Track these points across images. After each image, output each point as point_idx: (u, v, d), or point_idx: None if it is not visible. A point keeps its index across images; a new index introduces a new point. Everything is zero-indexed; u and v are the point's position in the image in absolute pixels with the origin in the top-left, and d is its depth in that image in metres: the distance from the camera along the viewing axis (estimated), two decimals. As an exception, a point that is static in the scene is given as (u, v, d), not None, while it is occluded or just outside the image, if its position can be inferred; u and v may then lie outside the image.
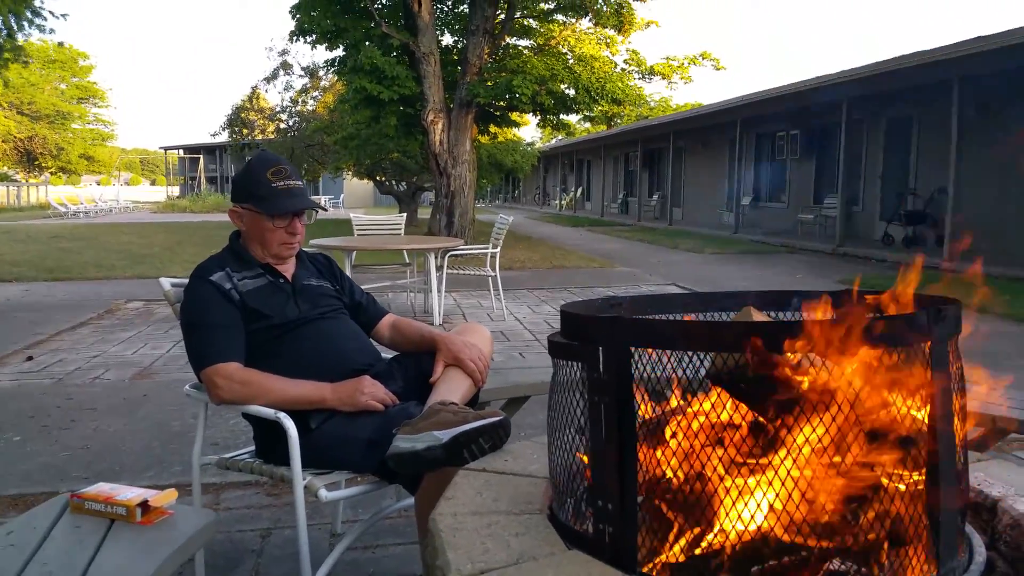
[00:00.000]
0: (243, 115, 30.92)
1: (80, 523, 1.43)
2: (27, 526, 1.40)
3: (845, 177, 13.23)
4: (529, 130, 42.23)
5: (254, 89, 31.30)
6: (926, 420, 1.21)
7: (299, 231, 2.05)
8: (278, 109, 29.40)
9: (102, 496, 1.47)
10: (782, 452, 1.18)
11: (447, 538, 1.29)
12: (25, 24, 8.31)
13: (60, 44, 41.67)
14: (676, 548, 1.21)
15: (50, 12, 8.59)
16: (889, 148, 13.85)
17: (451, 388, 1.95)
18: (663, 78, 18.67)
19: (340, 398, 1.88)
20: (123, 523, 1.43)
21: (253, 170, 2.02)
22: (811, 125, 15.75)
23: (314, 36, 13.54)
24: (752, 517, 1.18)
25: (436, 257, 6.10)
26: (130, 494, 1.48)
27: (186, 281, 2.02)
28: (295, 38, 13.75)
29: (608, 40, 15.25)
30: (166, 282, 2.10)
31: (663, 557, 1.21)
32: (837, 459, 1.21)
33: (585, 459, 1.31)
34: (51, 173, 47.49)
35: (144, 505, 1.45)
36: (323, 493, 1.77)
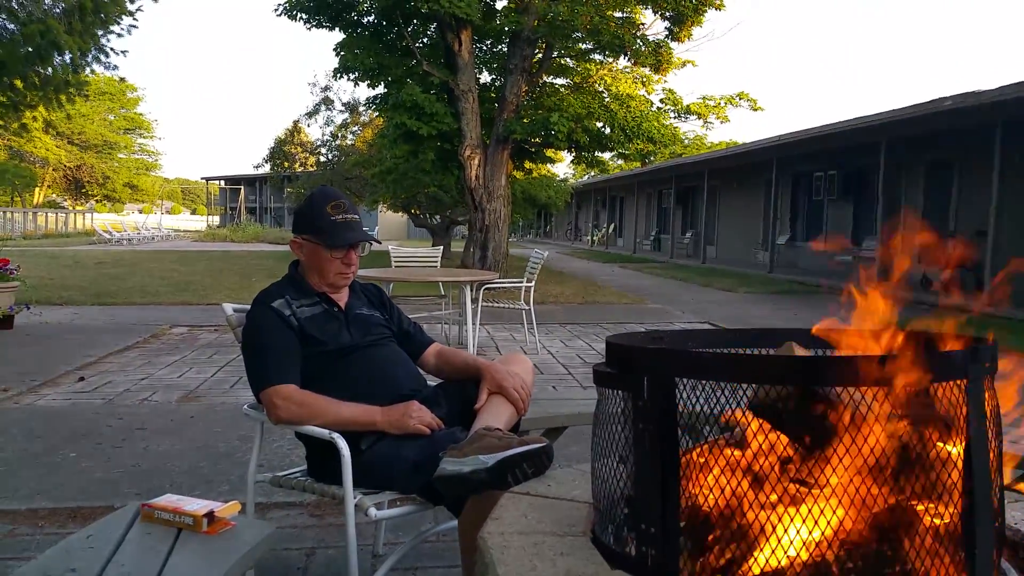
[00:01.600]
0: (285, 148, 31.88)
1: (151, 530, 1.52)
2: (103, 531, 1.49)
3: (884, 219, 13.13)
4: (562, 166, 42.62)
5: (295, 123, 32.37)
6: (962, 456, 1.25)
7: (354, 262, 2.16)
8: (318, 143, 30.24)
9: (171, 506, 1.57)
10: (820, 482, 1.23)
11: (496, 555, 1.35)
12: (90, 60, 8.75)
13: (122, 79, 43.23)
14: (717, 572, 1.26)
15: (111, 49, 8.99)
16: (929, 191, 13.73)
17: (495, 415, 2.02)
18: (699, 118, 18.76)
19: (390, 421, 1.97)
20: (190, 532, 1.52)
21: (315, 204, 2.15)
22: (849, 166, 15.69)
23: (357, 73, 13.95)
24: (791, 544, 1.23)
25: (471, 290, 6.20)
26: (196, 505, 1.57)
27: (247, 307, 2.14)
28: (339, 75, 14.16)
29: (644, 79, 15.42)
30: (229, 307, 2.23)
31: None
32: (874, 491, 1.25)
33: (629, 483, 1.36)
34: (96, 201, 49.07)
35: (210, 516, 1.54)
36: (373, 511, 1.85)
